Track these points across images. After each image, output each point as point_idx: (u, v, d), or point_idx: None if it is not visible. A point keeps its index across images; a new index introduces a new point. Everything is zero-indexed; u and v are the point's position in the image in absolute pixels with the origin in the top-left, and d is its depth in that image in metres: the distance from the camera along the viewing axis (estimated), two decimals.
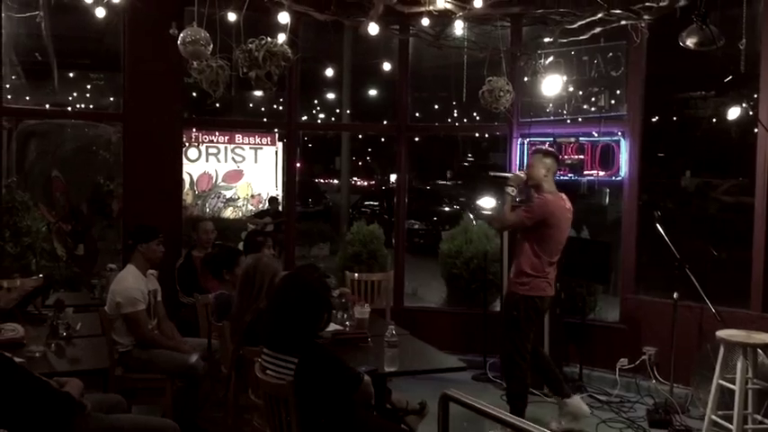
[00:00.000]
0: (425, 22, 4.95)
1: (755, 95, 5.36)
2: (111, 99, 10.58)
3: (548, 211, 4.65)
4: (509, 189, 4.82)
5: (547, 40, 5.75)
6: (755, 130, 5.34)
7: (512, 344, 4.70)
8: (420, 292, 8.92)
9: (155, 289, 4.65)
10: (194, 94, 7.46)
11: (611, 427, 4.98)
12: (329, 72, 10.17)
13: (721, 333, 4.52)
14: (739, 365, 4.33)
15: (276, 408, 3.02)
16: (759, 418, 4.52)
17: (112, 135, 8.76)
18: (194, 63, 4.10)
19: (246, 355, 3.54)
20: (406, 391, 4.52)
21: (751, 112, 5.18)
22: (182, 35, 4.02)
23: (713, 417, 4.49)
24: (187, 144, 12.48)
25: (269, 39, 3.92)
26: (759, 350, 4.45)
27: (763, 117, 5.20)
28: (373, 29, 4.60)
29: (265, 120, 16.07)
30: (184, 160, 12.91)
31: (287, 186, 7.34)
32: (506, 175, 5.10)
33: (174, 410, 4.34)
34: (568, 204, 4.81)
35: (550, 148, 5.22)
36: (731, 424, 4.32)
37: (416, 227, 15.14)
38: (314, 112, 19.19)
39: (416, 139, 18.07)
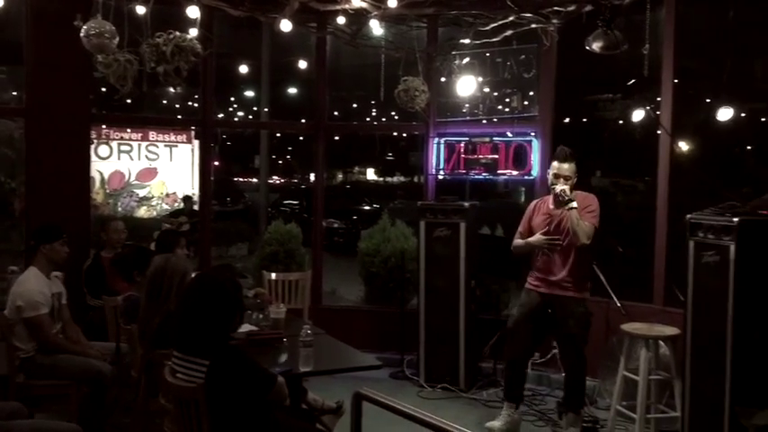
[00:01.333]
0: (341, 20, 4.94)
1: (658, 99, 5.62)
2: (14, 93, 10.08)
3: None
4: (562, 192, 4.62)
5: (463, 41, 5.85)
6: (658, 132, 5.58)
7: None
8: (339, 292, 8.90)
9: (59, 291, 4.46)
10: (104, 89, 7.19)
11: (524, 419, 5.10)
12: (247, 69, 10.04)
13: (626, 326, 4.71)
14: (642, 357, 4.52)
15: (187, 412, 2.95)
16: (661, 407, 4.74)
17: (14, 131, 8.35)
18: (99, 57, 3.95)
19: (156, 358, 3.44)
20: (324, 391, 4.52)
21: (653, 115, 5.42)
22: (85, 27, 3.86)
23: (618, 407, 4.67)
24: (96, 141, 12.06)
25: (177, 33, 3.82)
26: (660, 342, 4.66)
27: (665, 119, 5.45)
28: (286, 25, 4.56)
29: (179, 117, 15.69)
30: (94, 157, 12.54)
31: (202, 185, 7.17)
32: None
33: (80, 417, 4.17)
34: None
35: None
36: (635, 413, 4.50)
37: (336, 226, 15.15)
38: (231, 109, 18.90)
39: (336, 137, 18.09)
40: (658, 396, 4.75)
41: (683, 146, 6.06)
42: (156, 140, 12.99)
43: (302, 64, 7.43)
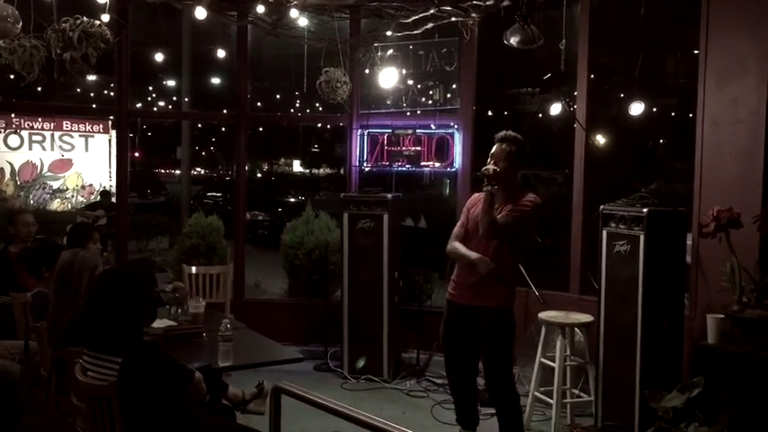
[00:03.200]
0: (260, 9, 4.86)
1: (574, 93, 5.77)
2: None
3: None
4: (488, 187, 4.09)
5: (385, 33, 5.85)
6: (575, 125, 5.74)
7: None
8: (263, 284, 8.81)
9: None
10: (12, 76, 6.85)
11: (445, 408, 5.17)
12: (167, 58, 9.75)
13: (543, 314, 4.85)
14: (558, 344, 4.66)
15: (99, 411, 2.85)
16: (576, 392, 4.90)
17: None
18: (2, 42, 3.75)
19: (67, 356, 3.32)
20: (247, 385, 4.45)
21: (569, 109, 5.57)
22: None
23: (536, 393, 4.80)
24: (5, 130, 11.52)
25: (85, 18, 3.67)
26: (576, 329, 4.82)
27: (580, 113, 5.61)
28: (201, 13, 4.45)
29: (94, 106, 15.12)
30: (4, 148, 11.98)
31: (119, 177, 6.95)
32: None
33: None
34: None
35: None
36: (552, 399, 4.64)
37: (260, 218, 14.97)
38: (150, 99, 18.34)
39: (260, 129, 17.82)
40: (574, 381, 4.91)
41: (599, 139, 6.25)
42: (71, 130, 12.47)
43: (223, 53, 7.28)
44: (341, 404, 2.34)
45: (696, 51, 5.08)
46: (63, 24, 3.62)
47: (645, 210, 4.25)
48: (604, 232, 4.52)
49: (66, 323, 3.45)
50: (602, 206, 4.58)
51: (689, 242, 4.73)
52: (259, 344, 4.11)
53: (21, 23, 3.59)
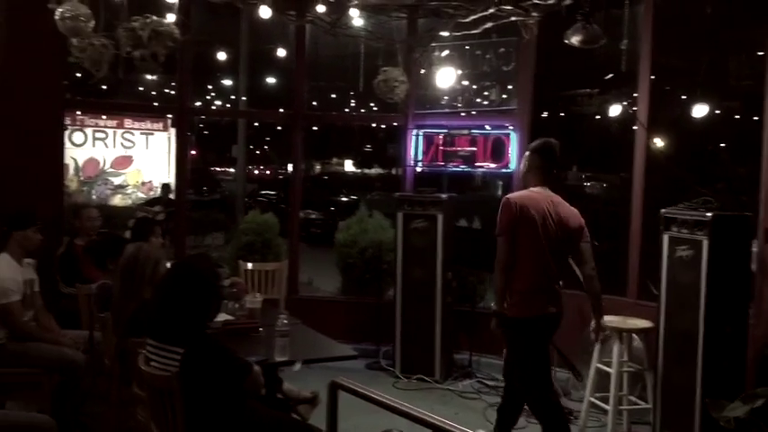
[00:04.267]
0: (321, 8, 4.91)
1: (635, 94, 5.66)
2: None
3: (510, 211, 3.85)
4: None
5: (442, 33, 5.83)
6: (634, 128, 5.63)
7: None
8: (316, 282, 8.88)
9: (31, 279, 4.40)
10: (78, 74, 7.08)
11: None
12: (225, 57, 9.93)
13: None
14: (615, 350, 4.57)
15: (161, 400, 2.92)
16: (633, 398, 4.80)
17: None
18: (74, 41, 3.88)
19: (130, 346, 3.41)
20: (299, 381, 4.50)
21: (630, 110, 5.47)
22: (60, 9, 3.79)
23: (592, 399, 4.72)
24: (71, 127, 11.87)
25: (155, 17, 3.76)
26: (633, 335, 4.72)
27: (641, 115, 5.50)
28: (265, 12, 4.51)
29: (156, 104, 15.49)
30: (69, 144, 12.35)
31: (179, 174, 7.10)
32: None
33: (52, 406, 4.13)
34: (554, 199, 3.95)
35: (550, 144, 4.04)
36: (608, 405, 4.56)
37: (313, 217, 15.11)
38: (208, 97, 18.70)
39: (314, 128, 17.98)
40: (631, 388, 4.81)
41: (659, 141, 6.12)
42: (132, 128, 12.78)
43: (281, 53, 7.38)
44: (400, 402, 2.35)
45: (762, 53, 4.93)
46: (133, 23, 3.73)
47: (709, 214, 4.14)
48: (665, 236, 4.42)
49: (131, 314, 3.55)
50: (663, 209, 4.47)
51: (754, 249, 4.59)
52: (314, 340, 4.15)
53: (93, 23, 3.71)
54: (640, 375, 4.75)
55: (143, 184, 13.07)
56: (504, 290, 3.89)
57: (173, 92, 11.05)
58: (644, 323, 4.65)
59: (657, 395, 4.46)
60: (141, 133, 12.93)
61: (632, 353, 4.75)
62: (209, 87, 18.35)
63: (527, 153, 4.09)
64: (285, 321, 3.63)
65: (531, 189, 3.96)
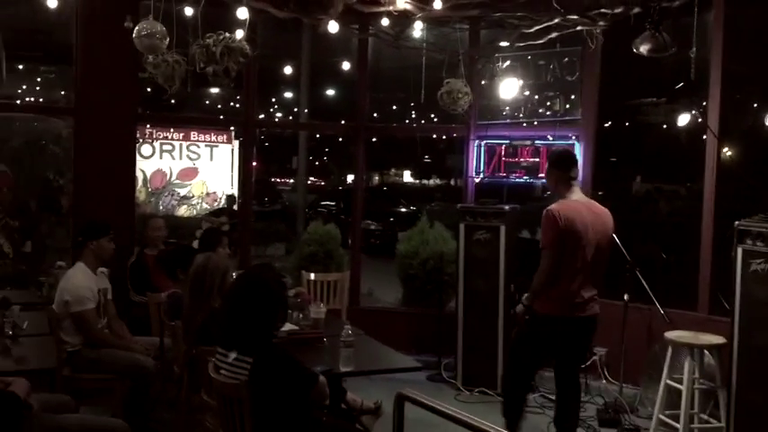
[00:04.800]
0: (385, 22, 4.96)
1: (704, 103, 5.51)
2: (63, 93, 10.30)
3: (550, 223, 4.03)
4: None
5: (504, 43, 5.80)
6: (704, 137, 5.48)
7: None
8: (376, 293, 8.91)
9: (105, 287, 4.55)
10: (149, 89, 7.32)
11: None
12: (287, 70, 10.11)
13: (669, 334, 4.63)
14: (686, 366, 4.44)
15: (230, 408, 2.98)
16: (705, 417, 4.65)
17: (63, 129, 8.52)
18: (149, 57, 4.02)
19: (200, 354, 3.49)
20: (361, 391, 4.53)
21: (700, 119, 5.32)
22: (137, 28, 3.94)
23: (661, 416, 4.59)
24: (141, 140, 12.25)
25: (227, 34, 3.87)
26: (705, 351, 4.57)
27: (712, 124, 5.35)
28: (333, 27, 4.59)
29: (222, 117, 15.86)
30: (138, 157, 12.75)
31: (243, 185, 7.27)
32: None
33: (124, 411, 4.25)
34: (596, 209, 4.19)
35: (559, 153, 4.64)
36: (678, 423, 4.42)
37: (372, 227, 15.17)
38: (271, 110, 19.03)
39: (374, 139, 18.08)
40: (702, 406, 4.66)
41: (730, 151, 5.94)
42: (198, 140, 13.11)
43: (343, 65, 7.46)
44: (467, 414, 2.33)
45: None
46: (207, 40, 3.84)
47: None
48: (739, 249, 4.27)
49: (201, 322, 3.63)
50: (737, 222, 4.33)
51: None
52: (377, 351, 4.17)
53: (168, 40, 3.84)
54: (712, 393, 4.60)
55: (208, 195, 13.37)
56: (541, 294, 4.11)
57: (237, 105, 11.30)
58: (717, 339, 4.50)
59: (731, 414, 4.30)
60: (206, 145, 13.24)
61: (704, 369, 4.60)
62: (273, 100, 18.67)
63: (547, 169, 4.37)
64: (350, 332, 3.66)
65: (571, 198, 4.16)
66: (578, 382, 4.42)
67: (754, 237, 4.19)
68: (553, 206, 4.08)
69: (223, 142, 13.32)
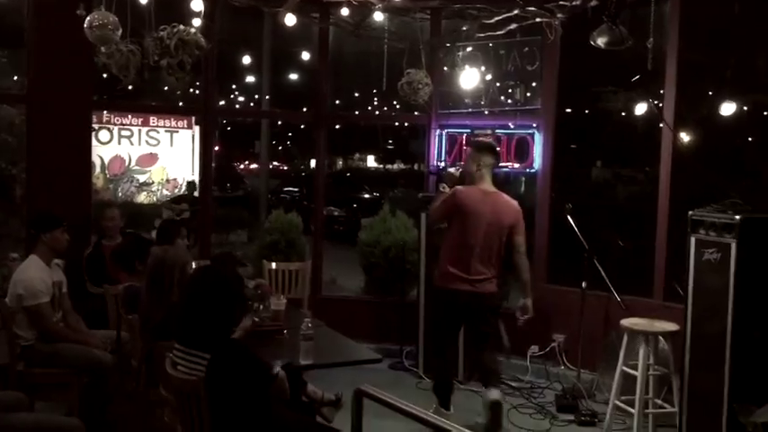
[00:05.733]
0: (345, 11, 4.92)
1: (661, 91, 5.59)
2: (15, 78, 10.02)
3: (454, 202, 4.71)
4: (441, 186, 4.96)
5: (465, 30, 5.80)
6: (661, 125, 5.57)
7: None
8: (339, 281, 8.91)
9: (60, 280, 4.46)
10: (105, 75, 7.14)
11: (522, 412, 5.13)
12: (248, 57, 9.97)
13: (625, 321, 4.72)
14: (641, 352, 4.53)
15: (187, 404, 2.96)
16: (659, 402, 4.76)
17: (15, 117, 8.30)
18: (102, 48, 3.92)
19: (157, 349, 3.45)
20: (323, 382, 4.52)
21: (656, 109, 5.40)
22: (88, 19, 3.82)
23: (617, 401, 4.68)
24: (97, 126, 12.02)
25: (181, 26, 3.79)
26: (660, 338, 4.67)
27: (668, 113, 5.44)
28: (290, 19, 4.53)
29: (181, 104, 15.60)
30: (95, 142, 12.50)
31: (203, 173, 7.16)
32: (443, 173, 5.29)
33: (80, 406, 4.19)
34: (501, 199, 4.79)
35: (483, 140, 5.35)
36: (633, 408, 4.52)
37: (336, 214, 15.12)
38: (232, 96, 18.80)
39: (337, 126, 18.00)
40: (657, 391, 4.76)
41: (686, 139, 6.04)
42: (157, 126, 12.92)
43: (304, 53, 7.40)
44: (423, 411, 2.35)
45: None
46: (161, 32, 3.75)
47: (737, 217, 4.08)
48: (693, 239, 4.36)
49: (159, 318, 3.59)
50: (690, 212, 4.42)
51: None
52: (338, 342, 4.17)
53: (120, 30, 3.75)
54: (666, 379, 4.71)
55: (168, 181, 13.20)
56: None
57: (197, 91, 11.13)
58: (671, 326, 4.61)
59: (684, 399, 4.41)
60: (166, 131, 13.06)
61: (658, 356, 4.71)
62: (233, 87, 18.44)
63: (477, 152, 4.82)
64: (310, 325, 3.65)
65: (478, 186, 4.70)
66: (487, 362, 4.81)
67: (707, 227, 4.27)
68: (459, 187, 4.73)
69: (183, 128, 13.15)
